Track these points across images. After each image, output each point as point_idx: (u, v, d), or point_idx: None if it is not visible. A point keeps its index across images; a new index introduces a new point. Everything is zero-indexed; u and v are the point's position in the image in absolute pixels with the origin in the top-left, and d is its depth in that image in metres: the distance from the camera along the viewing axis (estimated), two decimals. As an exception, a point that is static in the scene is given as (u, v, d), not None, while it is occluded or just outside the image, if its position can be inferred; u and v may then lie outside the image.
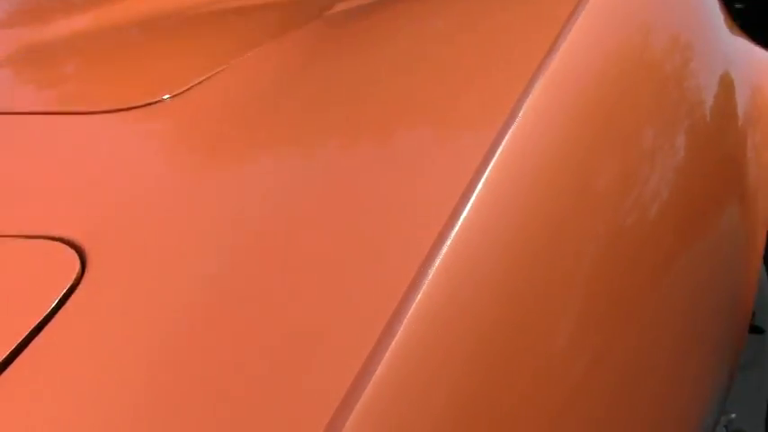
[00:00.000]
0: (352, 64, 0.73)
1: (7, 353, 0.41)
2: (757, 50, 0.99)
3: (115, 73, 0.83)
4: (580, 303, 0.48)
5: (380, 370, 0.35)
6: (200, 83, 0.70)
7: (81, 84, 0.81)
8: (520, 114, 0.51)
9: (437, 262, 0.40)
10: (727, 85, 0.82)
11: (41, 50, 0.90)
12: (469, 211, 0.44)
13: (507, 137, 0.49)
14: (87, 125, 0.67)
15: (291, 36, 0.80)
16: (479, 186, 0.45)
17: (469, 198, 0.44)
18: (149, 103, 0.69)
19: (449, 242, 0.42)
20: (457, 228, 0.42)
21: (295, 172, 0.54)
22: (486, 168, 0.46)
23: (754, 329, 0.96)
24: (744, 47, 0.97)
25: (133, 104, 0.69)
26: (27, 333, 0.43)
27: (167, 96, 0.69)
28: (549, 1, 0.71)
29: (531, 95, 0.52)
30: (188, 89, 0.69)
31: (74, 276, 0.47)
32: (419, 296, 0.39)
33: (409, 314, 0.37)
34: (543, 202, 0.49)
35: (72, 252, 0.49)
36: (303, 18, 0.88)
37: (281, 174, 0.54)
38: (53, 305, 0.45)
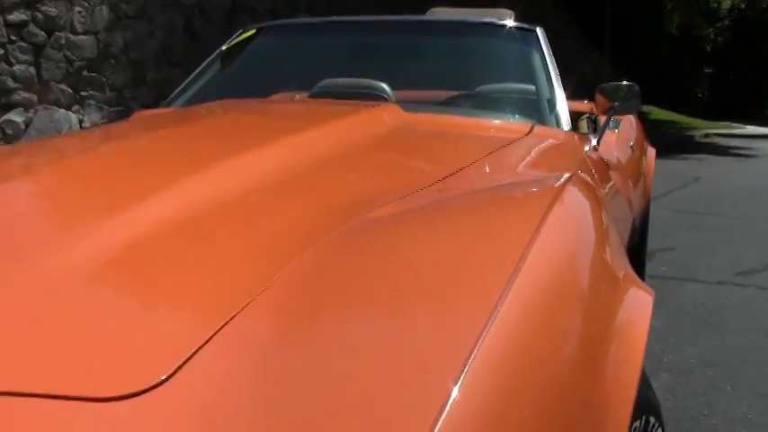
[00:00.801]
0: (366, 270, 0.98)
1: None
2: (642, 292, 1.14)
3: (105, 338, 0.83)
4: None
5: None
6: (201, 347, 0.79)
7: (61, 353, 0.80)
8: (495, 316, 0.76)
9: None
10: (606, 317, 1.03)
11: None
12: (459, 389, 0.65)
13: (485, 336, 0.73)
14: (65, 417, 0.69)
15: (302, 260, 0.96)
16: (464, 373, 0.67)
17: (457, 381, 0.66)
18: (144, 390, 0.72)
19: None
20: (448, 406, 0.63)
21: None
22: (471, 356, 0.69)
23: None
24: (631, 287, 1.14)
25: (124, 392, 0.72)
26: None
27: (164, 377, 0.73)
28: (507, 238, 1.03)
29: (501, 306, 0.79)
30: (187, 360, 0.76)
31: None
32: None
33: None
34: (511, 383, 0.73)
35: None
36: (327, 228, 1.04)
37: None
38: None
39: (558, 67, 2.80)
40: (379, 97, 2.82)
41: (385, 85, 2.85)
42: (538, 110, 2.55)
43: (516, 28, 2.98)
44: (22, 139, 7.69)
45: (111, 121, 8.63)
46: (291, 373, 0.74)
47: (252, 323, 0.84)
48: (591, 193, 1.37)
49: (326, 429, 0.65)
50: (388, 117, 2.13)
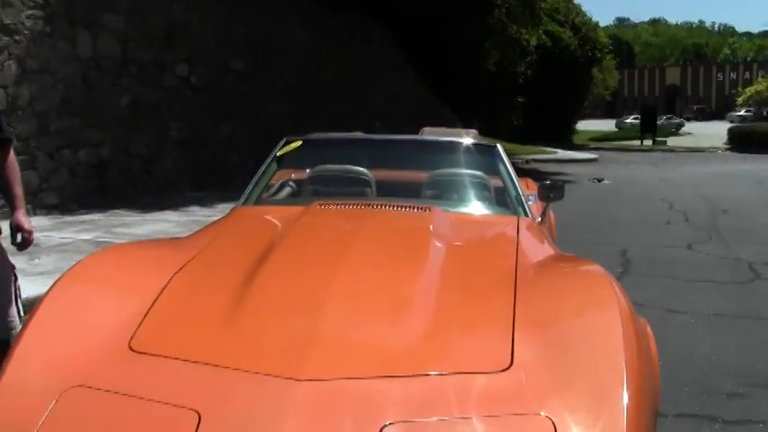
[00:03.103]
0: None
1: None
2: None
3: None
4: None
5: None
6: (513, 347, 2.08)
7: None
8: None
9: None
10: (644, 327, 2.30)
11: None
12: None
13: None
14: None
15: None
16: None
17: None
18: (504, 369, 1.98)
19: None
20: None
21: None
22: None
23: None
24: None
25: (498, 369, 1.96)
26: None
27: (508, 364, 2.00)
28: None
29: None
30: (512, 354, 2.05)
31: None
32: None
33: None
34: None
35: None
36: None
37: None
38: None
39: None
40: (362, 179, 4.10)
41: (365, 169, 4.15)
42: (511, 203, 3.93)
43: (482, 144, 4.38)
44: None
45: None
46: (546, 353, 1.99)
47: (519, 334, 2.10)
48: None
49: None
50: (442, 217, 3.40)
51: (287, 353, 2.01)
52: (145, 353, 2.07)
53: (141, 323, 2.21)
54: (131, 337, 2.13)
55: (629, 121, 59.01)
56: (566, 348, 2.04)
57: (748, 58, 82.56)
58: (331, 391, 1.86)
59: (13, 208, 3.25)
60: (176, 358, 2.05)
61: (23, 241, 3.25)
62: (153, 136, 11.68)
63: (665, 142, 38.54)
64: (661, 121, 45.61)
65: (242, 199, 4.05)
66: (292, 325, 2.18)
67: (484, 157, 4.40)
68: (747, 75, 78.56)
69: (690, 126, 58.20)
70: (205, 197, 11.26)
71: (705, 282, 6.56)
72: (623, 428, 1.73)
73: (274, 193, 4.56)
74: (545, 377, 1.90)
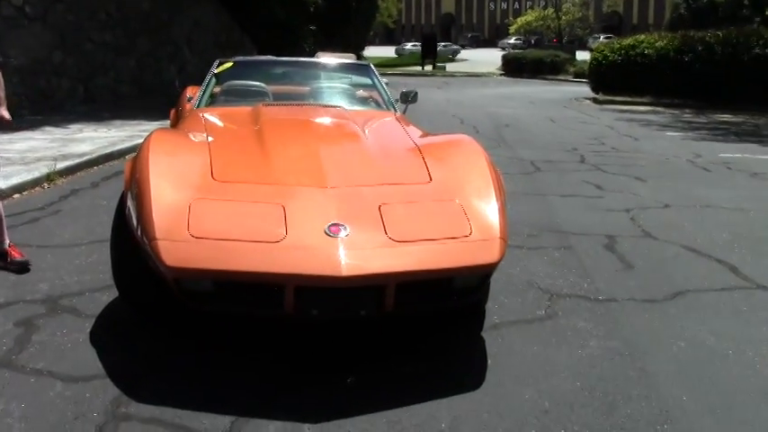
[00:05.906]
0: None
1: None
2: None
3: None
4: None
5: None
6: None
7: None
8: None
9: None
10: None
11: None
12: None
13: None
14: None
15: None
16: None
17: None
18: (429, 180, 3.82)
19: None
20: None
21: None
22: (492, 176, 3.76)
23: None
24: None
25: (426, 181, 3.80)
26: None
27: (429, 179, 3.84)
28: None
29: None
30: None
31: None
32: None
33: None
34: None
35: None
36: None
37: None
38: None
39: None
40: (261, 91, 5.72)
41: (263, 84, 5.78)
42: (385, 104, 5.68)
43: (359, 63, 6.15)
44: None
45: None
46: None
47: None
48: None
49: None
50: (346, 111, 5.06)
51: (313, 177, 3.69)
52: (225, 181, 3.58)
53: (211, 165, 3.70)
54: (211, 173, 3.62)
55: (407, 47, 61.99)
56: (457, 173, 3.88)
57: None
58: (345, 192, 3.58)
59: None
60: (247, 182, 3.58)
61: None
62: (-5, 64, 12.33)
63: (444, 67, 41.52)
64: (438, 48, 48.45)
65: (196, 103, 5.57)
66: (306, 166, 3.85)
67: (360, 72, 6.18)
68: (517, 5, 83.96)
69: (465, 53, 62.06)
70: (49, 119, 12.19)
71: (502, 174, 8.53)
72: (497, 207, 3.50)
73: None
74: (451, 186, 3.73)
